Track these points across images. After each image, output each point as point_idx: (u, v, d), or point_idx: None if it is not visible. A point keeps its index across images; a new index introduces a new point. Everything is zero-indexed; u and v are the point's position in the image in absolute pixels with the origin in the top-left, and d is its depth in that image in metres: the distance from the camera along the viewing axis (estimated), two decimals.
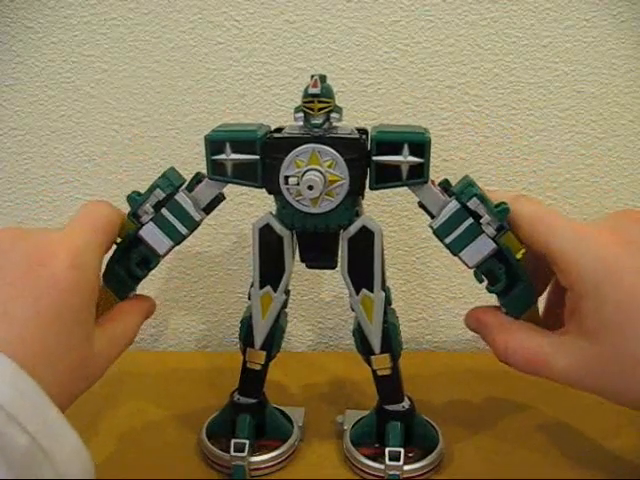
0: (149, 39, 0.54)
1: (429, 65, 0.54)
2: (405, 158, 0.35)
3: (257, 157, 0.36)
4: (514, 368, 0.34)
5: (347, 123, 0.37)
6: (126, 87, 0.56)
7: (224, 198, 0.40)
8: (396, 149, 0.35)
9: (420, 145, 0.34)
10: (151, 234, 0.38)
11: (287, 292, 0.41)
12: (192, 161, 0.55)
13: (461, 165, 0.56)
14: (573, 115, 0.55)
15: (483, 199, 0.35)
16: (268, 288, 0.39)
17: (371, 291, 0.38)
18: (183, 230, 0.38)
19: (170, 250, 0.39)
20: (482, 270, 0.37)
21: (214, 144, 0.36)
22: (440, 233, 0.36)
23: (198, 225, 0.38)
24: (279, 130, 0.37)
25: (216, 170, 0.37)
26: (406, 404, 0.42)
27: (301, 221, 0.37)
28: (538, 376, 0.33)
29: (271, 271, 0.39)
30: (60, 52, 0.55)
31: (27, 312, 0.29)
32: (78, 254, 0.32)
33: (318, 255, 0.39)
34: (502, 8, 0.53)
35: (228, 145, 0.36)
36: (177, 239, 0.38)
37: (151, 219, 0.38)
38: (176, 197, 0.38)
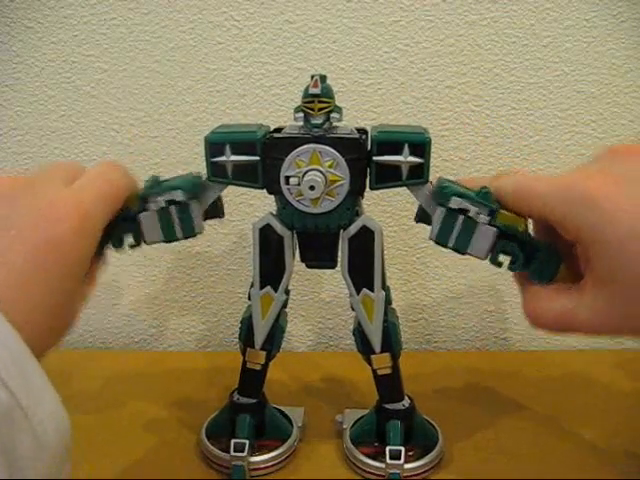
0: (149, 39, 0.54)
1: (429, 65, 0.54)
2: (405, 158, 0.35)
3: (257, 158, 0.36)
4: (546, 331, 0.34)
5: (347, 123, 0.37)
6: (126, 87, 0.56)
7: (223, 215, 0.40)
8: (396, 149, 0.35)
9: (420, 145, 0.34)
10: (149, 222, 0.37)
11: (287, 292, 0.41)
12: (192, 161, 0.55)
13: (461, 165, 0.56)
14: (573, 115, 0.55)
15: (461, 194, 0.35)
16: (268, 288, 0.39)
17: (371, 291, 0.38)
18: (180, 234, 0.37)
19: (155, 243, 0.38)
20: (497, 253, 0.35)
21: (214, 146, 0.36)
22: (440, 240, 0.36)
23: (194, 236, 0.38)
24: (279, 130, 0.37)
25: (216, 172, 0.37)
26: (406, 403, 0.42)
27: (301, 221, 0.37)
28: (570, 332, 0.33)
29: (271, 271, 0.39)
30: (60, 52, 0.55)
31: (27, 265, 0.28)
32: (86, 219, 0.31)
33: (318, 255, 0.39)
34: (502, 8, 0.53)
35: (228, 147, 0.36)
36: (169, 239, 0.38)
37: (157, 210, 0.37)
38: (191, 206, 0.37)
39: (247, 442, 0.41)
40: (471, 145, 0.56)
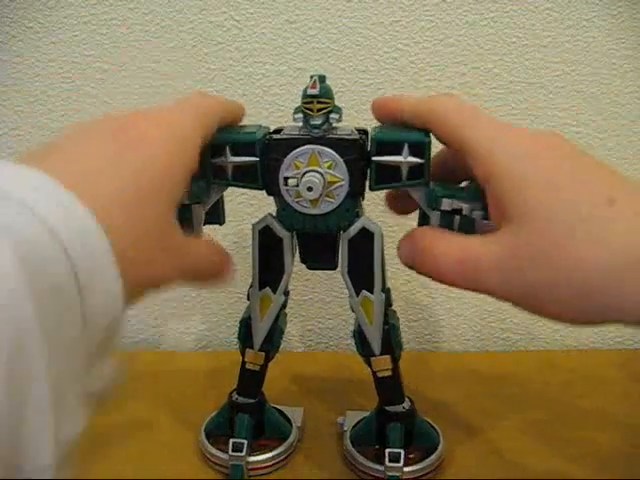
0: (149, 39, 0.54)
1: (429, 65, 0.54)
2: (405, 158, 0.34)
3: (257, 159, 0.35)
4: (444, 278, 0.30)
5: (347, 124, 0.37)
6: (126, 87, 0.56)
7: (223, 221, 0.40)
8: (396, 149, 0.34)
9: (420, 145, 0.34)
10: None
11: (286, 293, 0.41)
12: None
13: None
14: (573, 115, 0.55)
15: (451, 195, 0.33)
16: (267, 289, 0.39)
17: (371, 292, 0.38)
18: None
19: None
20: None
21: (214, 147, 0.36)
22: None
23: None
24: (278, 131, 0.37)
25: (216, 173, 0.36)
26: (406, 405, 0.42)
27: (301, 222, 0.37)
28: (469, 283, 0.29)
29: (270, 272, 0.38)
30: (60, 52, 0.55)
31: (125, 183, 0.25)
32: (181, 131, 0.29)
33: (318, 256, 0.38)
34: (502, 8, 0.53)
35: (228, 148, 0.35)
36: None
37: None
38: (195, 210, 0.36)
39: (245, 442, 0.41)
40: None
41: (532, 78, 0.54)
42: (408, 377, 0.42)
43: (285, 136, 0.36)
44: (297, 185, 0.35)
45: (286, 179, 0.35)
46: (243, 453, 0.40)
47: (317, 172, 0.35)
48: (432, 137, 0.34)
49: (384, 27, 0.53)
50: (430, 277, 0.31)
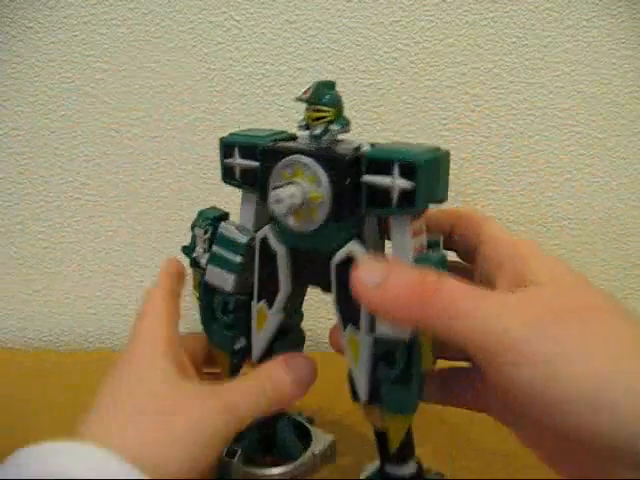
0: (149, 39, 0.54)
1: (429, 65, 0.54)
2: (394, 180, 0.29)
3: (257, 163, 0.34)
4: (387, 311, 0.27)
5: (357, 138, 0.33)
6: (126, 87, 0.56)
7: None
8: (386, 169, 0.29)
9: (410, 165, 0.29)
10: (213, 275, 0.37)
11: (290, 312, 0.37)
12: (192, 161, 0.55)
13: (461, 165, 0.56)
14: (573, 115, 0.55)
15: (422, 259, 0.30)
16: (263, 303, 0.36)
17: (357, 330, 0.32)
18: (237, 259, 0.36)
19: (238, 284, 0.36)
20: (382, 347, 0.31)
21: (226, 147, 0.35)
22: None
23: (249, 247, 0.35)
24: (292, 138, 0.35)
25: (227, 174, 0.36)
26: (412, 468, 0.36)
27: (293, 239, 0.34)
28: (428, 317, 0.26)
29: (267, 286, 0.36)
30: (60, 52, 0.55)
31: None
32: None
33: (311, 278, 0.35)
34: (502, 8, 0.53)
35: (237, 149, 0.35)
36: (236, 269, 0.36)
37: (207, 261, 0.37)
38: (219, 229, 0.37)
39: (240, 450, 0.38)
40: (471, 145, 0.56)
41: (532, 78, 0.54)
42: None
43: (281, 144, 0.34)
44: None
45: (274, 189, 0.32)
46: (235, 460, 0.38)
47: (298, 185, 0.31)
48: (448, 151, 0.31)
49: (384, 27, 0.53)
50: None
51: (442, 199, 0.31)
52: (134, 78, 0.55)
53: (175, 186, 0.57)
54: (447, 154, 0.31)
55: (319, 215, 0.31)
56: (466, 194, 0.57)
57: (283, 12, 0.53)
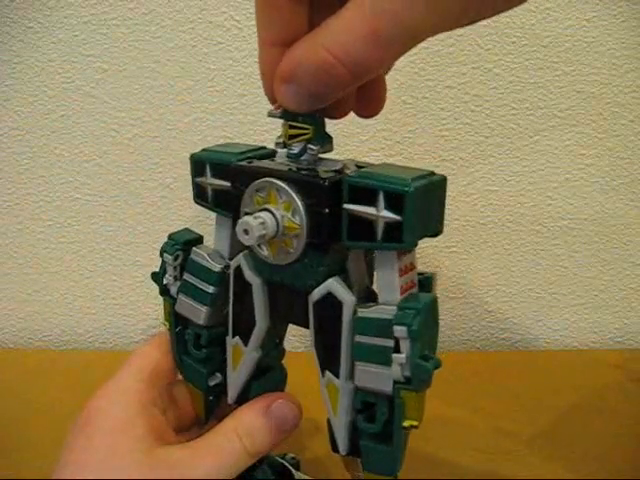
0: (149, 39, 0.54)
1: (429, 65, 0.54)
2: (379, 212, 0.25)
3: (228, 184, 0.30)
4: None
5: (341, 157, 0.29)
6: (126, 87, 0.56)
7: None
8: (370, 198, 0.26)
9: (396, 195, 0.25)
10: (184, 306, 0.34)
11: (275, 348, 0.34)
12: None
13: (461, 165, 0.56)
14: (573, 115, 0.55)
15: (414, 338, 0.26)
16: (238, 339, 0.32)
17: (336, 377, 0.29)
18: (209, 288, 0.32)
19: (212, 316, 0.33)
20: (361, 398, 0.28)
21: (196, 164, 0.32)
22: (356, 325, 0.28)
23: (223, 276, 0.32)
24: (271, 156, 0.30)
25: (199, 194, 0.32)
26: None
27: (268, 270, 0.30)
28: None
29: (242, 321, 0.32)
30: (60, 52, 0.55)
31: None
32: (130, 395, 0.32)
33: (287, 314, 0.31)
34: None
35: (208, 167, 0.31)
36: (208, 301, 0.32)
37: (178, 290, 0.34)
38: (190, 255, 0.33)
39: None
40: (471, 145, 0.56)
41: (532, 78, 0.54)
42: None
43: (255, 163, 0.29)
44: None
45: (245, 214, 0.28)
46: None
47: (270, 213, 0.27)
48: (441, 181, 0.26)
49: None
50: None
51: (436, 232, 0.27)
52: (134, 78, 0.55)
53: (175, 186, 0.57)
54: (443, 180, 0.27)
55: (295, 247, 0.28)
56: (466, 194, 0.57)
57: None
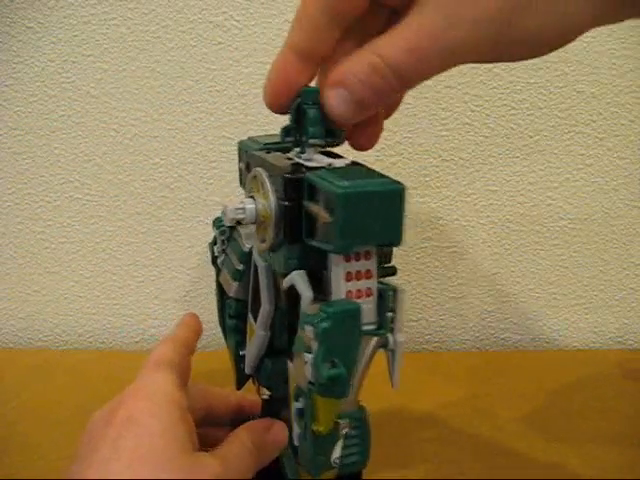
0: (149, 39, 0.54)
1: None
2: (319, 211, 0.25)
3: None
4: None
5: (343, 157, 0.29)
6: (126, 87, 0.56)
7: None
8: (316, 197, 0.26)
9: (330, 197, 0.25)
10: (224, 277, 0.35)
11: (277, 331, 0.33)
12: (192, 161, 0.55)
13: (461, 165, 0.56)
14: (573, 115, 0.55)
15: (320, 341, 0.26)
16: (251, 317, 0.34)
17: (291, 361, 0.30)
18: (239, 266, 0.34)
19: (240, 291, 0.34)
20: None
21: (239, 150, 0.35)
22: (300, 319, 0.28)
23: (250, 256, 0.33)
24: (288, 150, 0.31)
25: (239, 177, 0.35)
26: None
27: (265, 255, 0.31)
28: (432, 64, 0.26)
29: (254, 301, 0.33)
30: (60, 52, 0.55)
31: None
32: (165, 396, 0.31)
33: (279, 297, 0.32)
34: None
35: (241, 153, 0.35)
36: (237, 276, 0.34)
37: (222, 261, 0.36)
38: (232, 234, 0.36)
39: None
40: (471, 145, 0.56)
41: (532, 78, 0.54)
42: (407, 376, 0.42)
43: (258, 153, 0.31)
44: None
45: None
46: None
47: (253, 201, 0.29)
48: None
49: None
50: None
51: (392, 242, 0.27)
52: (134, 78, 0.55)
53: (175, 186, 0.57)
54: (396, 191, 0.26)
55: (270, 236, 0.28)
56: (466, 194, 0.57)
57: (283, 12, 0.53)
